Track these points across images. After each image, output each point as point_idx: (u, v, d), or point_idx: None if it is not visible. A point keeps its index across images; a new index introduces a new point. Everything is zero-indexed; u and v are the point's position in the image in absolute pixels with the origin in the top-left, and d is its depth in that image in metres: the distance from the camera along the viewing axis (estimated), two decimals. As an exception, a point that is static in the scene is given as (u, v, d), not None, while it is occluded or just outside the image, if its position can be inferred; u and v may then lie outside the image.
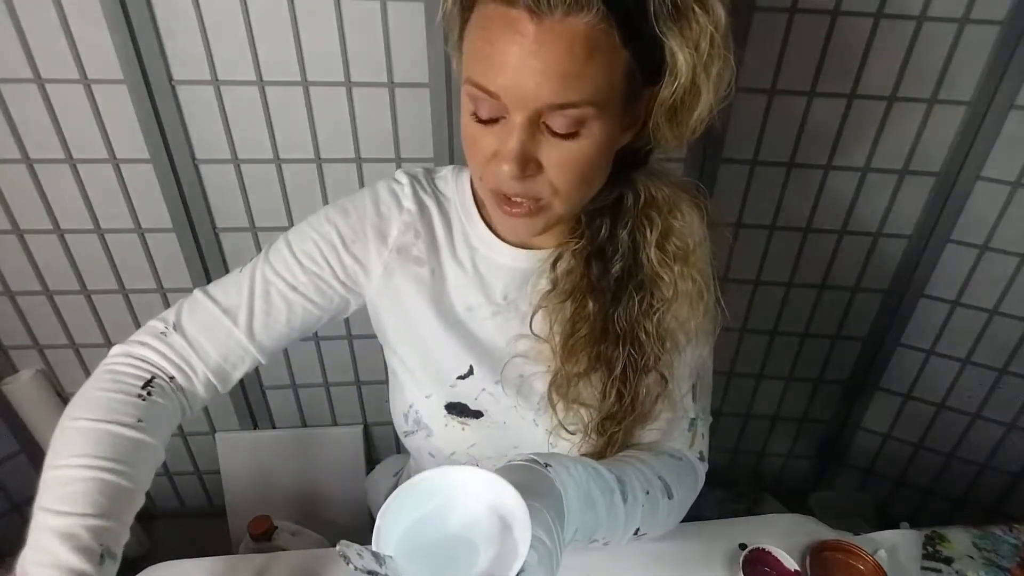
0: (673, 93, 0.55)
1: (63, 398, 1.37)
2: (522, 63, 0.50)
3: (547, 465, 0.55)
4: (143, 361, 0.64)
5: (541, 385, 0.70)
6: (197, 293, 0.67)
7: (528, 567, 0.44)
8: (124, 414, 0.59)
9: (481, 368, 0.71)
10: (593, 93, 0.51)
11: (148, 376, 0.63)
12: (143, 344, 0.65)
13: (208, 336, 0.65)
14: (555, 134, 0.53)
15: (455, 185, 0.71)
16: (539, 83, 0.50)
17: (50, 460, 0.56)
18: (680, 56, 0.53)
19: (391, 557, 0.44)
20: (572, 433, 0.69)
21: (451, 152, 1.17)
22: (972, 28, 1.09)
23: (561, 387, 0.67)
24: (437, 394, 0.72)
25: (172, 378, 0.65)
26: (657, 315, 0.66)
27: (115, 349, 0.65)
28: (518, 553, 0.43)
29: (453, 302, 0.71)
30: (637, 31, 0.51)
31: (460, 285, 0.70)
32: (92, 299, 1.29)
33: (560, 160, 0.55)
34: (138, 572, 0.72)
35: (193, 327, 0.65)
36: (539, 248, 0.69)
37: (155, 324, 0.66)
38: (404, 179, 0.71)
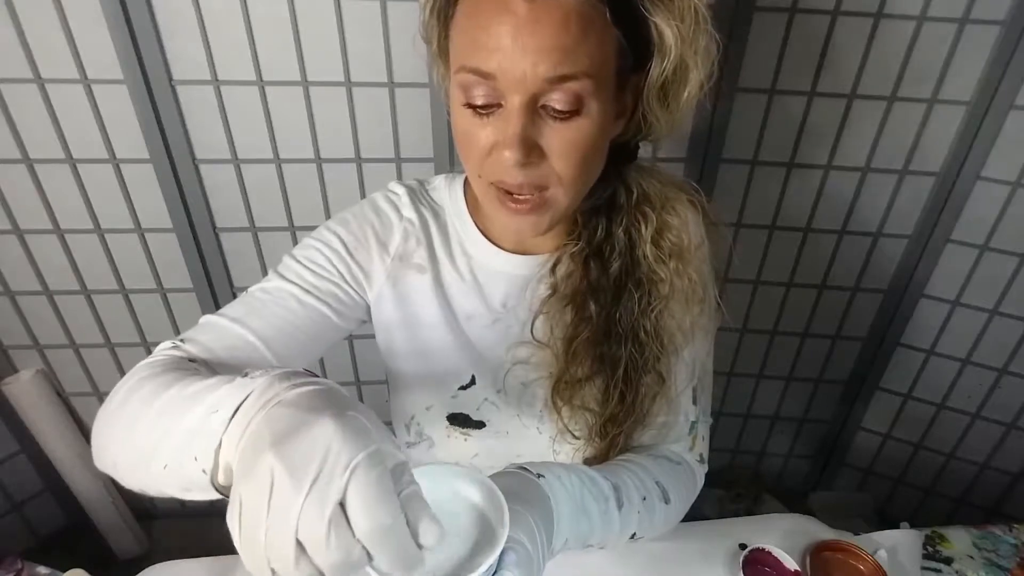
0: (663, 71, 0.56)
1: (63, 398, 1.36)
2: (517, 42, 0.50)
3: (540, 475, 0.55)
4: (165, 355, 0.56)
5: (543, 391, 0.69)
6: (203, 317, 0.61)
7: (506, 566, 0.44)
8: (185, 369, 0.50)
9: (482, 377, 0.71)
10: (589, 67, 0.52)
11: (184, 356, 0.55)
12: (157, 353, 0.56)
13: (222, 344, 0.58)
14: (555, 116, 0.53)
15: (448, 194, 0.71)
16: (535, 61, 0.50)
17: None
18: (667, 31, 0.54)
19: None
20: (577, 437, 0.69)
21: (451, 152, 1.17)
22: (972, 28, 1.09)
23: (564, 391, 0.67)
24: (439, 405, 0.71)
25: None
26: (655, 313, 0.66)
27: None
28: (491, 550, 0.43)
29: (455, 311, 0.70)
30: (626, 8, 0.53)
31: (460, 293, 0.70)
32: (92, 299, 1.29)
33: (562, 145, 0.54)
34: (138, 572, 0.72)
35: (204, 336, 0.58)
36: (536, 253, 0.69)
37: (162, 345, 0.58)
38: (400, 189, 0.70)
